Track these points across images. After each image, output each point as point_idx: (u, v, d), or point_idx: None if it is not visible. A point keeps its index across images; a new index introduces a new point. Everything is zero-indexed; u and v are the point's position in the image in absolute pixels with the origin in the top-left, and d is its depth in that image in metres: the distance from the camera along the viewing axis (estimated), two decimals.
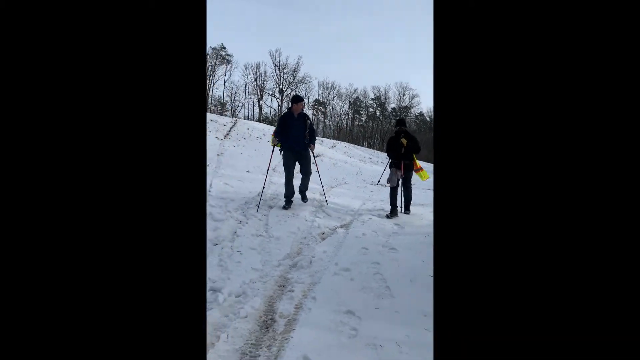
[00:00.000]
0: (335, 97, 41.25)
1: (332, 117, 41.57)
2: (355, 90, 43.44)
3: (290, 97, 4.78)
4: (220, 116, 13.86)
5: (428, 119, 40.73)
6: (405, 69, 58.83)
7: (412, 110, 41.95)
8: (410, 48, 56.67)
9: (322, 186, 5.26)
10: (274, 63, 36.15)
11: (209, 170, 6.05)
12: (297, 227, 3.67)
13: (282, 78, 34.52)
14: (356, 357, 1.68)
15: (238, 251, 2.84)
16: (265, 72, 37.90)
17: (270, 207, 4.35)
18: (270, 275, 2.54)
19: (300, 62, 46.08)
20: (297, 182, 4.60)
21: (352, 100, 42.12)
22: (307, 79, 37.01)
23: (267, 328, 1.93)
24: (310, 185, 4.76)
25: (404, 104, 42.19)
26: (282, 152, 4.49)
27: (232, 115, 27.77)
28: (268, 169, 5.08)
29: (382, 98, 42.66)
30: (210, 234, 3.12)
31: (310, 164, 4.57)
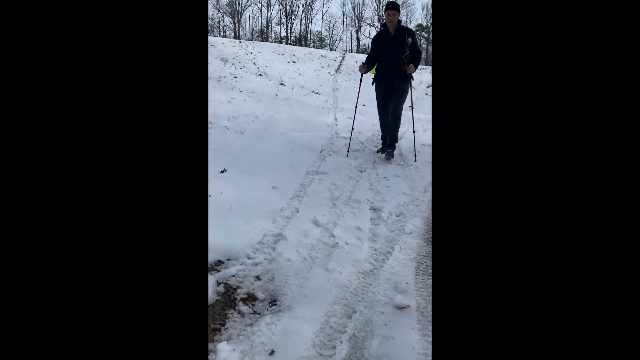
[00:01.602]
0: None
1: None
2: None
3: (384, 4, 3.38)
4: (330, 51, 13.76)
5: None
6: None
7: None
8: None
9: (414, 131, 3.71)
10: None
11: (329, 106, 6.25)
12: None
13: (381, 4, 31.91)
14: None
15: (384, 177, 3.01)
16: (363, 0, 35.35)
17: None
18: (420, 199, 2.66)
19: None
20: None
21: None
22: (408, 1, 33.53)
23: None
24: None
25: None
26: (374, 82, 3.40)
27: (331, 49, 27.29)
28: (357, 106, 3.87)
29: None
30: (352, 162, 3.35)
31: (404, 100, 3.35)
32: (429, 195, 2.75)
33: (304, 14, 33.07)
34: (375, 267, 1.84)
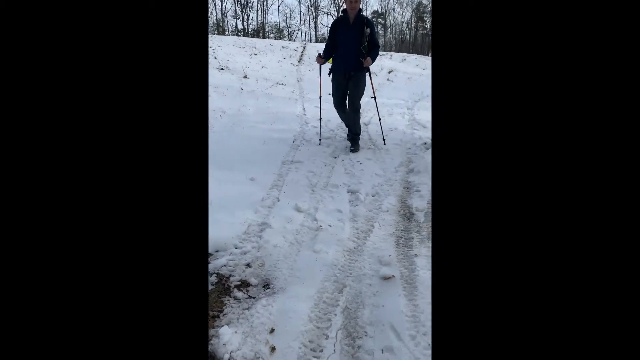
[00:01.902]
0: (396, 5, 37.39)
1: (394, 29, 38.25)
2: None
3: None
4: (291, 42, 13.66)
5: None
6: None
7: None
8: None
9: (379, 118, 3.74)
10: None
11: (296, 96, 6.27)
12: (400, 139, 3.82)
13: None
14: None
15: (357, 161, 3.11)
16: None
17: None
18: (393, 179, 2.80)
19: None
20: None
21: (414, 7, 37.85)
22: None
23: (409, 219, 2.23)
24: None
25: None
26: (331, 73, 3.29)
27: (290, 40, 27.00)
28: (320, 96, 3.70)
29: None
30: (325, 149, 3.43)
31: (361, 92, 3.27)
32: (400, 175, 2.89)
33: (259, 5, 32.41)
34: (358, 244, 1.94)
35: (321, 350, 1.28)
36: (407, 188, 2.67)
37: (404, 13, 38.02)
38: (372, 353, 1.26)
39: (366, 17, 3.18)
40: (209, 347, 1.27)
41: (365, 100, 3.89)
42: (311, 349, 1.29)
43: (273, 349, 1.28)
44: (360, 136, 3.48)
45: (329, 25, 3.29)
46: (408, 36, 38.18)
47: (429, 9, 38.12)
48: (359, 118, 3.38)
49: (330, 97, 3.51)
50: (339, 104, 3.35)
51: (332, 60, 3.31)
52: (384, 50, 16.59)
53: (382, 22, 37.42)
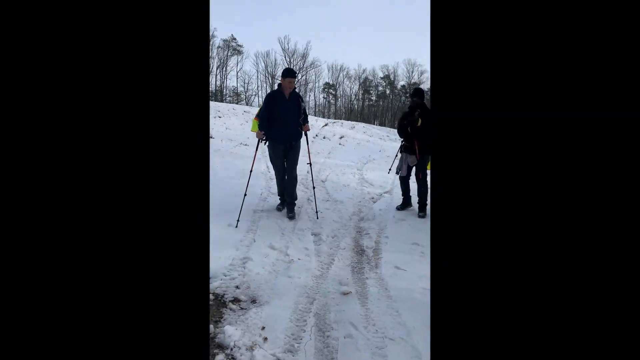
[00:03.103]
0: (345, 79, 41.47)
1: (343, 99, 41.91)
2: (364, 70, 43.62)
3: (282, 72, 3.51)
4: (251, 107, 14.64)
5: None
6: (412, 46, 58.16)
7: (422, 86, 41.78)
8: (416, 26, 55.83)
9: (314, 187, 3.89)
10: (283, 50, 36.44)
11: (259, 155, 6.91)
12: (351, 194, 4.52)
13: (292, 64, 34.88)
14: (428, 266, 2.55)
15: (318, 211, 3.72)
16: (275, 59, 38.15)
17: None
18: (347, 225, 3.42)
19: (309, 47, 46.41)
20: None
21: (361, 81, 42.21)
22: (316, 63, 37.44)
23: (361, 254, 2.81)
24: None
25: (413, 81, 41.99)
26: (268, 143, 3.44)
27: (247, 104, 28.48)
28: (251, 171, 3.67)
29: (391, 76, 42.60)
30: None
31: (296, 161, 3.48)
32: (353, 222, 3.52)
33: (218, 70, 34.26)
34: (323, 272, 2.47)
35: (301, 339, 1.75)
36: (359, 231, 3.29)
37: (352, 86, 42.18)
38: (337, 339, 1.75)
39: (298, 93, 3.48)
40: (217, 340, 1.68)
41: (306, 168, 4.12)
42: (293, 339, 1.75)
43: (265, 339, 1.72)
44: (296, 202, 3.59)
45: (265, 97, 3.49)
46: (356, 106, 41.93)
47: (374, 84, 42.56)
48: (296, 184, 3.56)
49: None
50: (280, 171, 3.52)
51: (268, 132, 3.39)
52: (335, 118, 18.25)
53: (333, 92, 40.96)
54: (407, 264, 2.59)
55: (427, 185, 3.70)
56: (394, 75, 42.79)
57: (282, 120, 3.36)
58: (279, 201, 3.70)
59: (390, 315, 1.95)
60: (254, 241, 2.86)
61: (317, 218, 3.52)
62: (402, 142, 3.79)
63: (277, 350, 1.65)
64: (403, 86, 42.72)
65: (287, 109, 3.36)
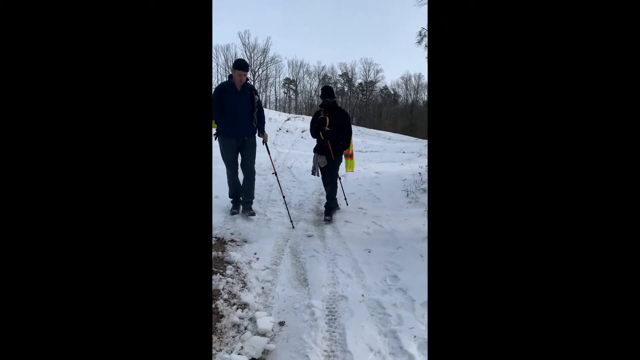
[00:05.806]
0: (305, 75, 42.35)
1: (304, 95, 42.79)
2: (323, 67, 44.72)
3: (232, 63, 3.28)
4: None
5: (392, 92, 42.87)
6: (369, 45, 60.27)
7: (377, 84, 43.72)
8: (374, 23, 57.91)
9: (284, 196, 3.67)
10: (244, 44, 36.44)
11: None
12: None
13: (252, 59, 35.10)
14: (369, 221, 3.55)
15: (286, 188, 4.62)
16: (235, 53, 38.03)
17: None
18: (311, 198, 4.36)
19: (270, 43, 46.68)
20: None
21: (320, 78, 43.25)
22: (277, 58, 37.99)
23: (321, 215, 3.76)
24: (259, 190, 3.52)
25: (369, 79, 43.76)
26: (218, 137, 3.23)
27: None
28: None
29: (349, 74, 44.07)
30: (262, 182, 4.86)
31: (254, 157, 3.33)
32: (315, 196, 4.47)
33: None
34: (294, 225, 3.38)
35: (281, 259, 2.66)
36: (319, 202, 4.24)
37: (312, 82, 43.23)
38: (305, 258, 2.68)
39: (251, 85, 3.23)
40: (226, 259, 2.54)
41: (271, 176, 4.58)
42: (277, 258, 2.65)
43: (257, 258, 2.61)
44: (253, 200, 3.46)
45: (214, 89, 3.20)
46: (316, 102, 42.94)
47: (333, 80, 43.83)
48: (254, 182, 3.41)
49: None
50: (232, 167, 3.32)
51: (218, 123, 3.20)
52: (297, 113, 19.03)
53: (294, 88, 41.64)
54: (354, 219, 3.58)
55: (336, 188, 3.59)
56: (352, 73, 44.31)
57: (233, 113, 3.14)
58: (230, 205, 3.46)
59: (339, 244, 2.92)
60: (239, 213, 3.71)
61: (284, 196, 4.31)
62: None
63: (267, 264, 2.55)
64: (360, 84, 44.40)
65: (237, 102, 3.13)
